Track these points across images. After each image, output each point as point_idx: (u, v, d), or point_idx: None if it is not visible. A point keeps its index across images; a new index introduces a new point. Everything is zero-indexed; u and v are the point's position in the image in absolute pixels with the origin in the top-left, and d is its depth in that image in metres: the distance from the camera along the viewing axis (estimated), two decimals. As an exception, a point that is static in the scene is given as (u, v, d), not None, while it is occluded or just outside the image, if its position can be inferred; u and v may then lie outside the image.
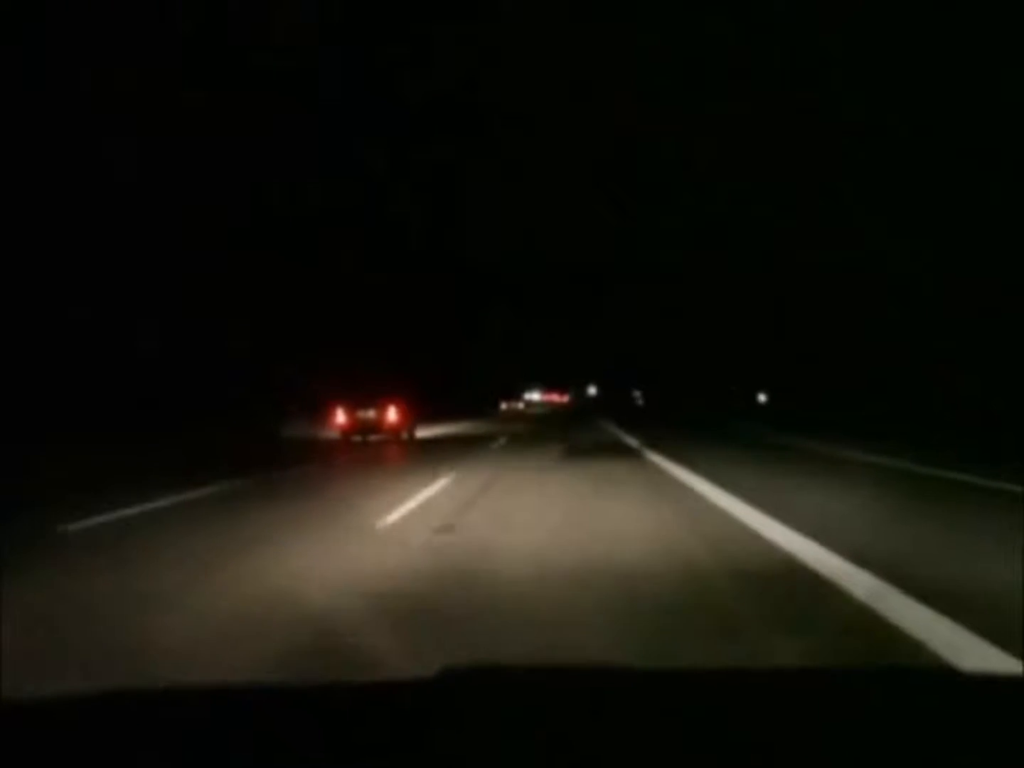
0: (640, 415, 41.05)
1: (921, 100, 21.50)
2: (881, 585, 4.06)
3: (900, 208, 22.73)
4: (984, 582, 4.18)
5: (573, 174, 53.31)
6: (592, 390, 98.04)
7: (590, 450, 15.71)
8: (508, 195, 49.75)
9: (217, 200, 21.60)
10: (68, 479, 10.80)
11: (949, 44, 20.09)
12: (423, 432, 21.89)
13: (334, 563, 5.02)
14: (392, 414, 19.03)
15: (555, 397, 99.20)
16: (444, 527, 6.32)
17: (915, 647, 3.16)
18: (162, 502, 8.11)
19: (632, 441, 18.05)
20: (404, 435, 19.85)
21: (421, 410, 22.17)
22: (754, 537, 5.67)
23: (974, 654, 3.04)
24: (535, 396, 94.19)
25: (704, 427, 24.87)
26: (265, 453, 15.76)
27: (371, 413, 18.95)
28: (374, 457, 15.51)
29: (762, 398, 35.80)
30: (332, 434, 19.79)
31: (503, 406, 62.46)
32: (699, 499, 7.81)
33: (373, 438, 19.37)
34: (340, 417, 19.11)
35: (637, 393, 72.16)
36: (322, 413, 21.62)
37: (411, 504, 7.75)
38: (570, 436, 21.01)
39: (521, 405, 69.41)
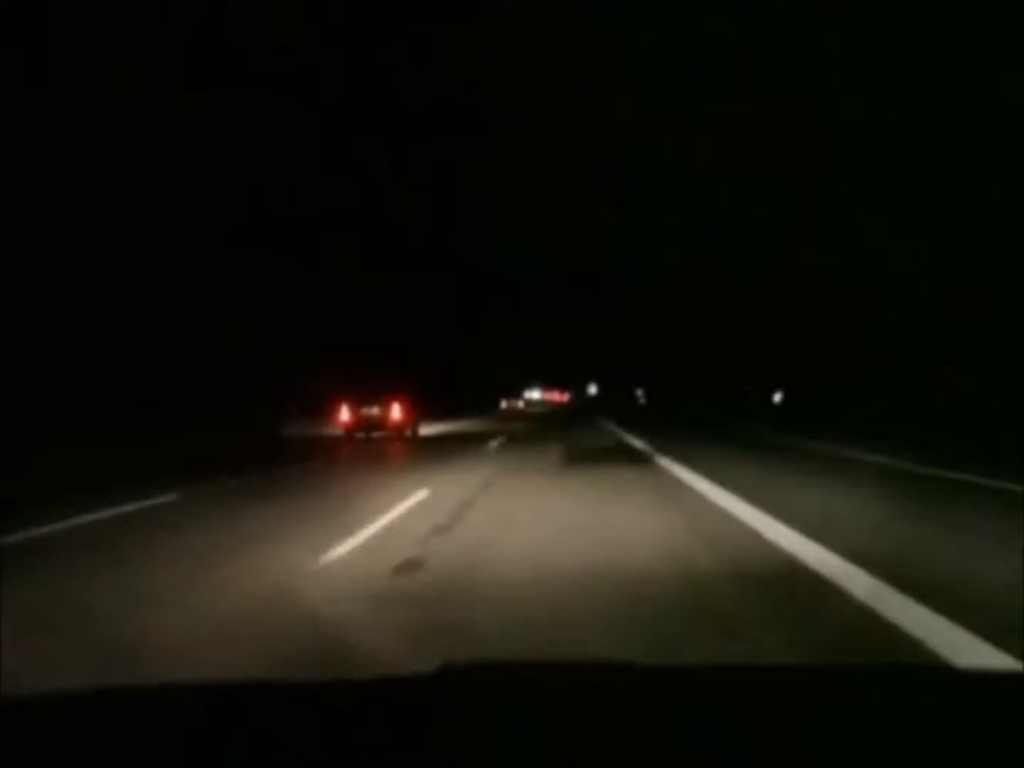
0: (643, 415, 39.88)
1: (921, 100, 21.50)
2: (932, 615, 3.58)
3: (900, 208, 22.73)
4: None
5: (573, 174, 53.33)
6: (592, 389, 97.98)
7: (593, 454, 14.57)
8: (508, 195, 49.77)
9: (217, 200, 21.60)
10: (67, 478, 10.79)
11: (949, 44, 20.09)
12: (425, 430, 21.92)
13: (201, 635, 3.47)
14: (396, 411, 19.08)
15: (555, 396, 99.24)
16: (407, 564, 4.91)
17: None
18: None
19: (638, 443, 16.91)
20: (407, 432, 19.89)
21: (424, 408, 22.24)
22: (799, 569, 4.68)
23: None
24: (535, 395, 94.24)
25: (712, 428, 23.82)
26: (257, 453, 15.44)
27: (375, 410, 19.02)
28: (364, 456, 15.07)
29: (777, 398, 35.13)
30: (335, 432, 19.82)
31: (503, 405, 62.61)
32: (732, 520, 6.52)
33: (376, 435, 19.40)
34: (344, 414, 19.15)
35: (639, 392, 71.84)
36: (323, 411, 21.68)
37: (377, 525, 6.46)
38: (570, 437, 20.09)
39: (521, 404, 69.55)
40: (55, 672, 2.88)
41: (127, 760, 0.99)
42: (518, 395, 75.00)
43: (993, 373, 19.28)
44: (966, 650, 3.08)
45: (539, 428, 26.52)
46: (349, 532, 6.01)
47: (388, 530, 6.31)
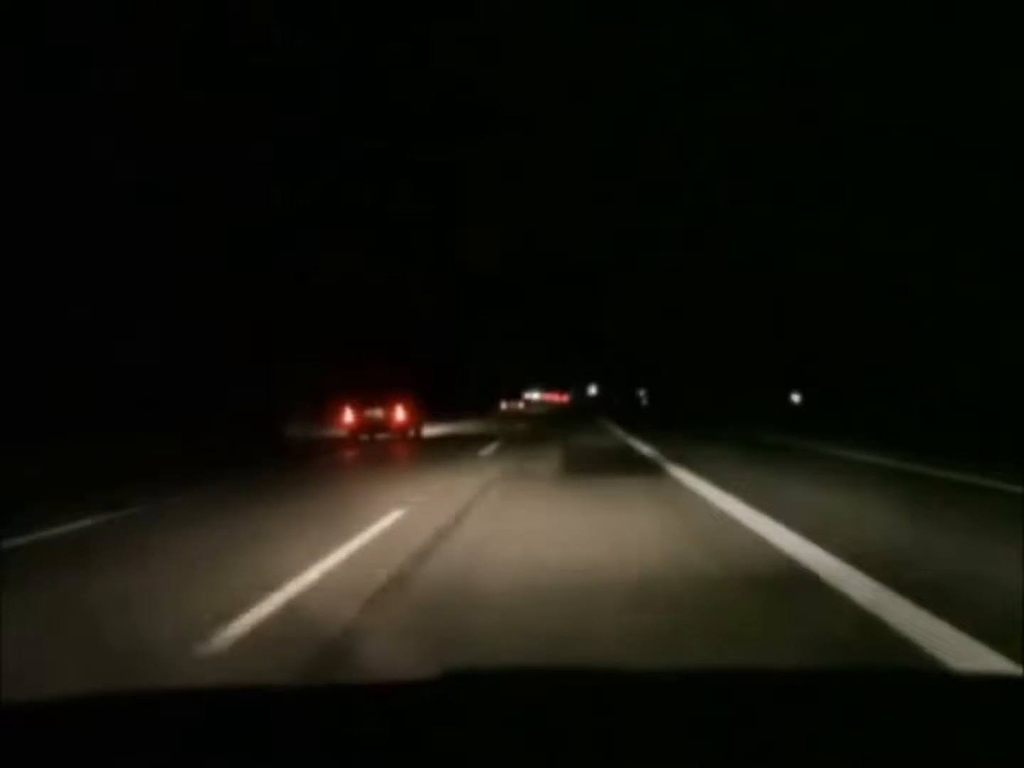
0: (647, 417, 38.16)
1: (921, 100, 21.49)
2: None
3: (900, 208, 22.72)
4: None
5: (573, 174, 53.31)
6: (592, 390, 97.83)
7: (596, 462, 13.09)
8: (508, 195, 49.75)
9: (217, 200, 21.60)
10: (74, 478, 10.78)
11: (949, 44, 20.08)
12: (426, 431, 21.93)
13: None
14: (400, 413, 19.12)
15: (555, 397, 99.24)
16: (328, 654, 3.19)
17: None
18: None
19: (645, 448, 15.35)
20: (411, 433, 19.96)
21: (425, 409, 22.29)
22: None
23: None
24: (535, 396, 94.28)
25: (725, 431, 21.73)
26: (242, 457, 15.07)
27: (379, 412, 19.05)
28: (350, 462, 14.47)
29: (796, 398, 34.08)
30: (339, 433, 19.86)
31: (503, 405, 62.76)
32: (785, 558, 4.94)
33: (380, 437, 19.43)
34: (348, 416, 19.17)
35: (641, 393, 71.41)
36: (326, 412, 21.71)
37: (319, 569, 4.75)
38: (571, 441, 18.74)
39: (521, 405, 69.80)
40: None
41: (130, 765, 0.99)
42: (518, 396, 75.13)
43: (994, 373, 19.26)
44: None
45: (538, 430, 26.28)
46: (271, 586, 4.19)
47: (324, 582, 4.46)
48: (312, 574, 4.63)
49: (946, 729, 1.08)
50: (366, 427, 19.22)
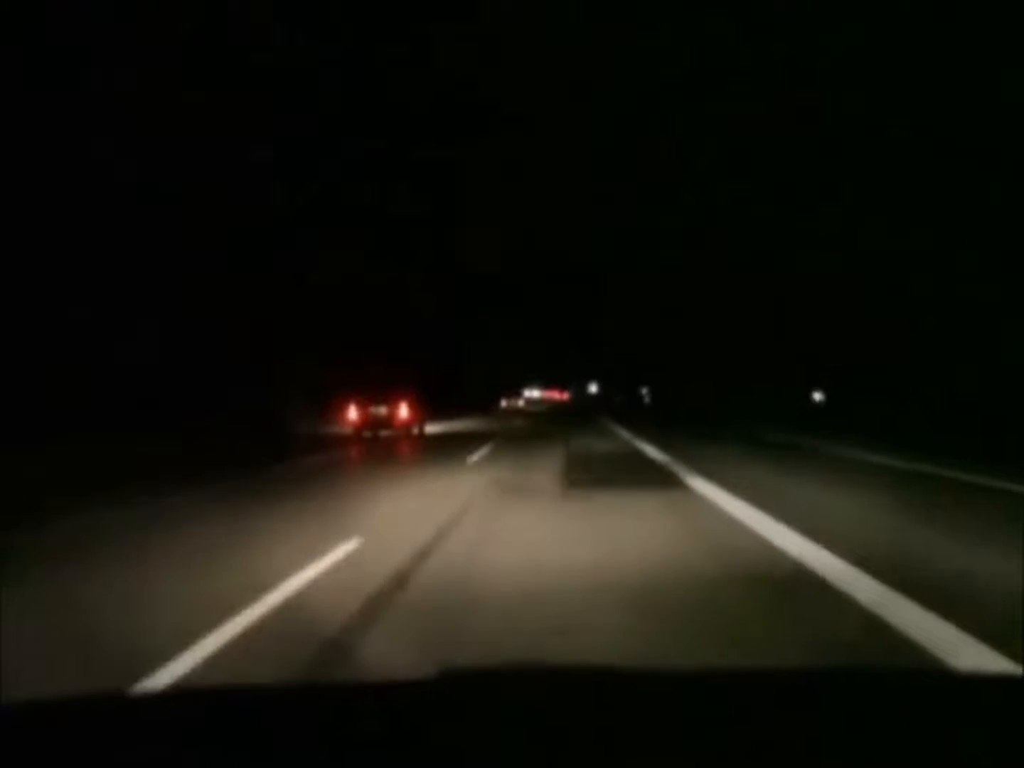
0: (652, 416, 36.07)
1: (921, 100, 21.49)
2: None
3: (900, 208, 22.72)
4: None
5: (573, 174, 53.34)
6: (593, 388, 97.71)
7: (601, 470, 11.43)
8: (508, 195, 49.78)
9: (217, 200, 21.60)
10: (74, 478, 10.77)
11: (949, 44, 20.08)
12: (428, 428, 21.93)
13: None
14: (403, 411, 19.29)
15: (555, 395, 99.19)
16: None
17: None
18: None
19: (654, 452, 13.92)
20: (414, 430, 20.11)
21: (429, 407, 22.36)
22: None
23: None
24: (535, 394, 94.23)
25: (741, 433, 20.22)
26: (232, 457, 14.20)
27: (383, 409, 19.19)
28: (330, 465, 13.18)
29: (817, 397, 32.42)
30: (343, 430, 19.93)
31: (503, 404, 62.87)
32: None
33: (384, 434, 19.56)
34: (352, 413, 19.32)
35: (644, 391, 70.78)
36: (330, 410, 21.76)
37: (221, 636, 3.52)
38: (573, 444, 17.24)
39: (521, 403, 70.00)
40: None
41: (130, 765, 0.99)
42: (518, 394, 75.23)
43: (995, 372, 19.25)
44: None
45: (538, 429, 25.95)
46: (165, 654, 3.18)
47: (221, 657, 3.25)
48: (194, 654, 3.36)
49: (947, 729, 1.08)
50: (370, 424, 19.34)
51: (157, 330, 20.15)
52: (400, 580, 4.59)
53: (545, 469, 11.48)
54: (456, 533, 6.21)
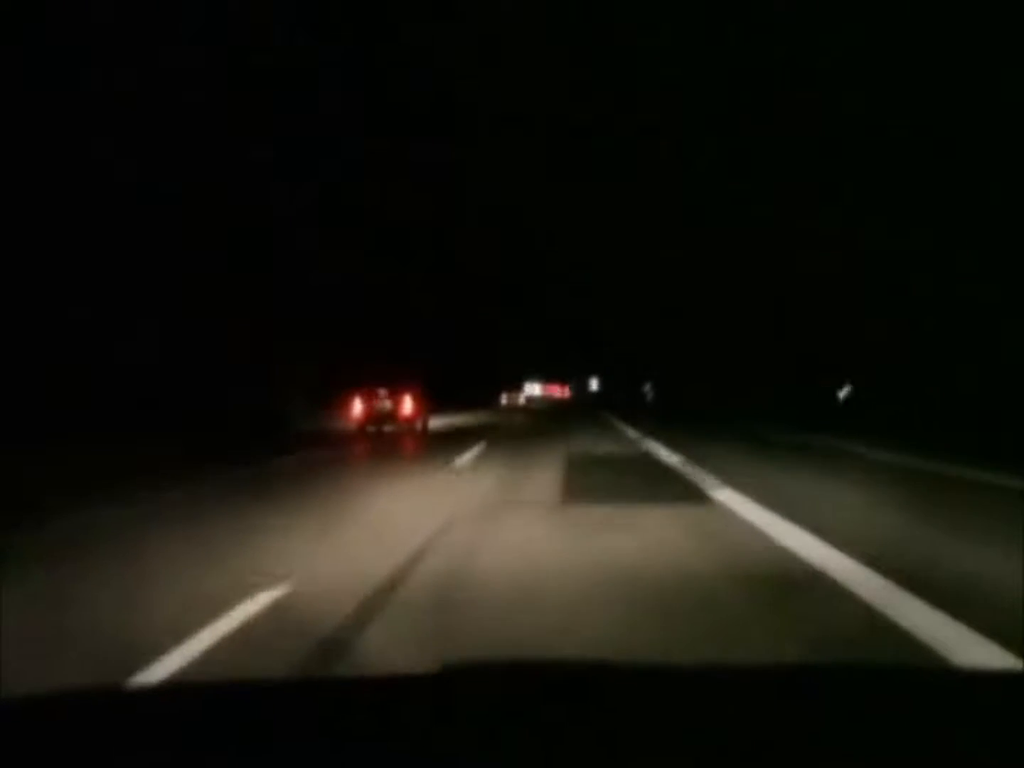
0: (657, 413, 34.25)
1: (921, 100, 21.50)
2: None
3: (900, 208, 22.72)
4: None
5: (573, 174, 53.40)
6: (594, 384, 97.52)
7: (606, 475, 9.97)
8: (507, 194, 49.80)
9: (217, 200, 21.62)
10: (74, 478, 10.77)
11: (949, 43, 20.08)
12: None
13: None
14: (407, 406, 19.28)
15: (555, 391, 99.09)
16: None
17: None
18: None
19: (666, 455, 12.49)
20: (418, 426, 20.10)
21: (432, 402, 22.36)
22: None
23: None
24: (535, 390, 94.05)
25: (764, 432, 18.62)
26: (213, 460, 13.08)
27: (387, 404, 19.19)
28: (292, 472, 11.07)
29: (843, 393, 29.30)
30: (347, 425, 19.89)
31: (504, 400, 63.00)
32: None
33: (388, 429, 19.60)
34: (356, 408, 19.32)
35: (647, 387, 69.93)
36: (332, 405, 21.76)
37: None
38: (573, 443, 15.85)
39: (522, 399, 70.12)
40: None
41: (128, 760, 0.99)
42: (518, 390, 75.33)
43: (996, 372, 19.24)
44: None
45: (537, 427, 25.42)
46: None
47: None
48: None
49: (947, 725, 1.07)
50: (374, 419, 19.34)
51: (157, 330, 20.17)
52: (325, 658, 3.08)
53: (541, 478, 9.60)
54: (419, 573, 4.59)
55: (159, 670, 2.88)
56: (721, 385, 38.83)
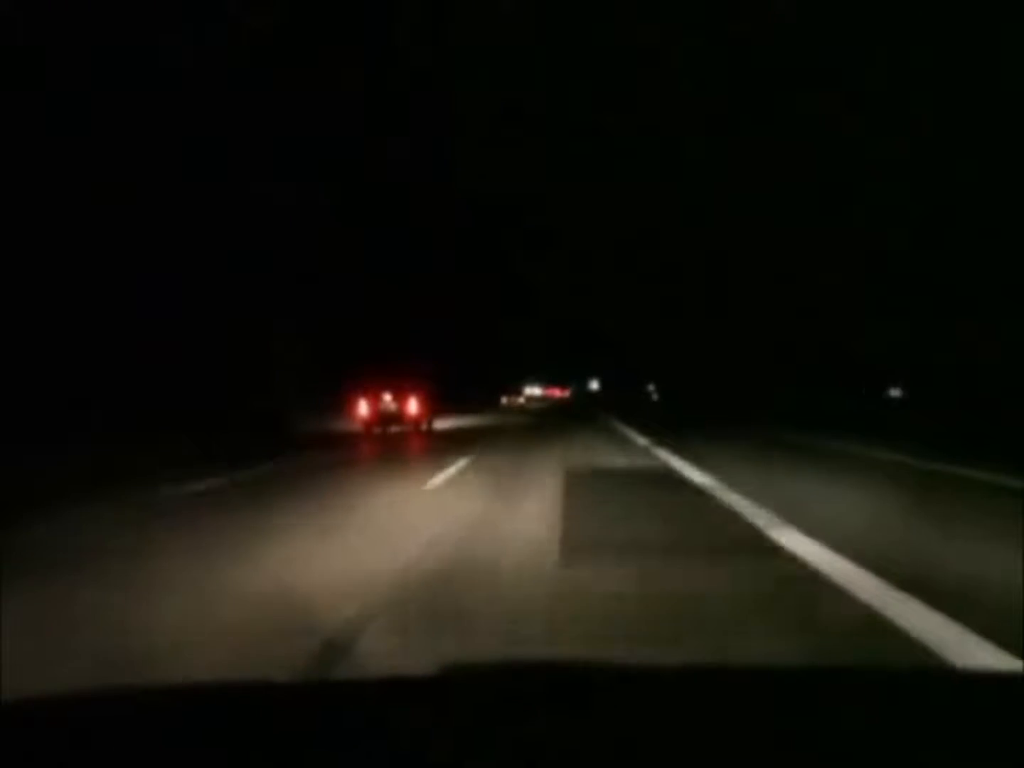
0: (667, 417, 29.39)
1: (921, 100, 21.53)
2: None
3: (903, 208, 22.76)
4: None
5: (573, 174, 53.45)
6: (595, 385, 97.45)
7: (618, 508, 6.96)
8: (507, 193, 49.87)
9: (217, 200, 21.64)
10: (73, 478, 10.76)
11: (949, 43, 20.11)
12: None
13: None
14: (413, 406, 19.27)
15: (556, 392, 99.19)
16: None
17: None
18: None
19: (691, 473, 9.50)
20: (423, 426, 20.11)
21: (437, 403, 22.33)
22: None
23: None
24: (536, 391, 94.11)
25: (804, 440, 15.58)
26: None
27: (393, 404, 19.19)
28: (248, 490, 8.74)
29: (896, 392, 27.05)
30: (353, 426, 19.80)
31: (504, 401, 63.11)
32: None
33: (394, 429, 19.59)
34: (362, 408, 19.27)
35: (651, 387, 67.91)
36: (339, 404, 21.74)
37: None
38: (573, 455, 12.74)
39: (522, 400, 70.28)
40: None
41: (129, 761, 0.99)
42: (518, 391, 75.46)
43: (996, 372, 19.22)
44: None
45: (536, 430, 23.96)
46: None
47: None
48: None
49: (948, 726, 1.07)
50: (380, 419, 19.29)
51: (157, 330, 20.17)
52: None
53: (532, 513, 6.67)
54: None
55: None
56: (734, 386, 36.81)
